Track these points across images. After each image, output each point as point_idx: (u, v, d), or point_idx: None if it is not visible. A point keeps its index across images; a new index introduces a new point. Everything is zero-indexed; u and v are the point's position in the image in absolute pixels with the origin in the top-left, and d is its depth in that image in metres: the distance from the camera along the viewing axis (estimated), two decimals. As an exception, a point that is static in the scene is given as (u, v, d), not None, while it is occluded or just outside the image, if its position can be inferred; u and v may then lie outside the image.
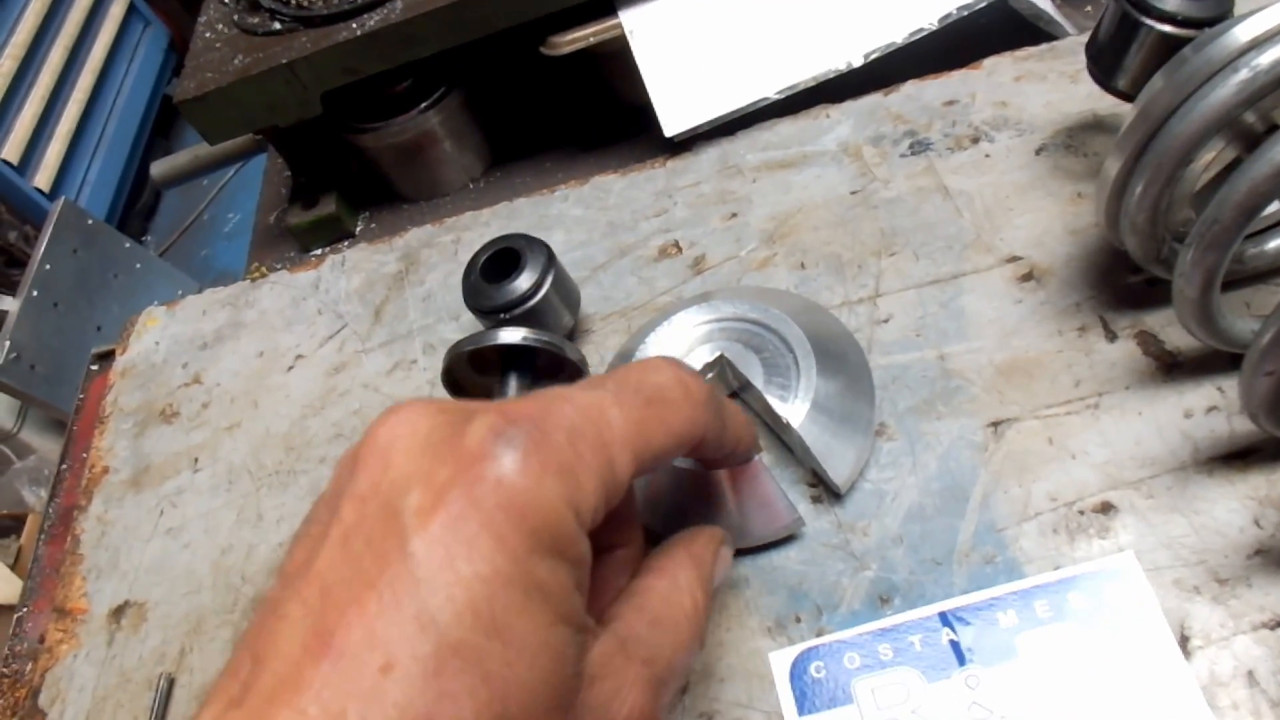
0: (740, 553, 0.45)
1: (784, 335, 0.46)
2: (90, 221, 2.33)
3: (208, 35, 0.68)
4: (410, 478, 0.29)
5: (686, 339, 0.48)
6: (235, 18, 0.67)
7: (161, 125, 3.12)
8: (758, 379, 0.45)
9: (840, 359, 0.46)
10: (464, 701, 0.26)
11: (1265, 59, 0.34)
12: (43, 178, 2.49)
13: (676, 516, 0.44)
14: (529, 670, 0.27)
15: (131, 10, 2.95)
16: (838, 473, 0.44)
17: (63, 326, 2.18)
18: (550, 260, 0.50)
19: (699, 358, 0.47)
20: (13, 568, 2.06)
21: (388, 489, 0.29)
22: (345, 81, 0.64)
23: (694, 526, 0.39)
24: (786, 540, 0.45)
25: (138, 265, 2.45)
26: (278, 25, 0.65)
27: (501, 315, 0.49)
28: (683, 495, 0.44)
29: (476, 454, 0.29)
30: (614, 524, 0.35)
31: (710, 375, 0.47)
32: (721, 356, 0.46)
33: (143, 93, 2.96)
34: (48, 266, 2.18)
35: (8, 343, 2.03)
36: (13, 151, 2.40)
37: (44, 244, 2.18)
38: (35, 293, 2.13)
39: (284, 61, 0.63)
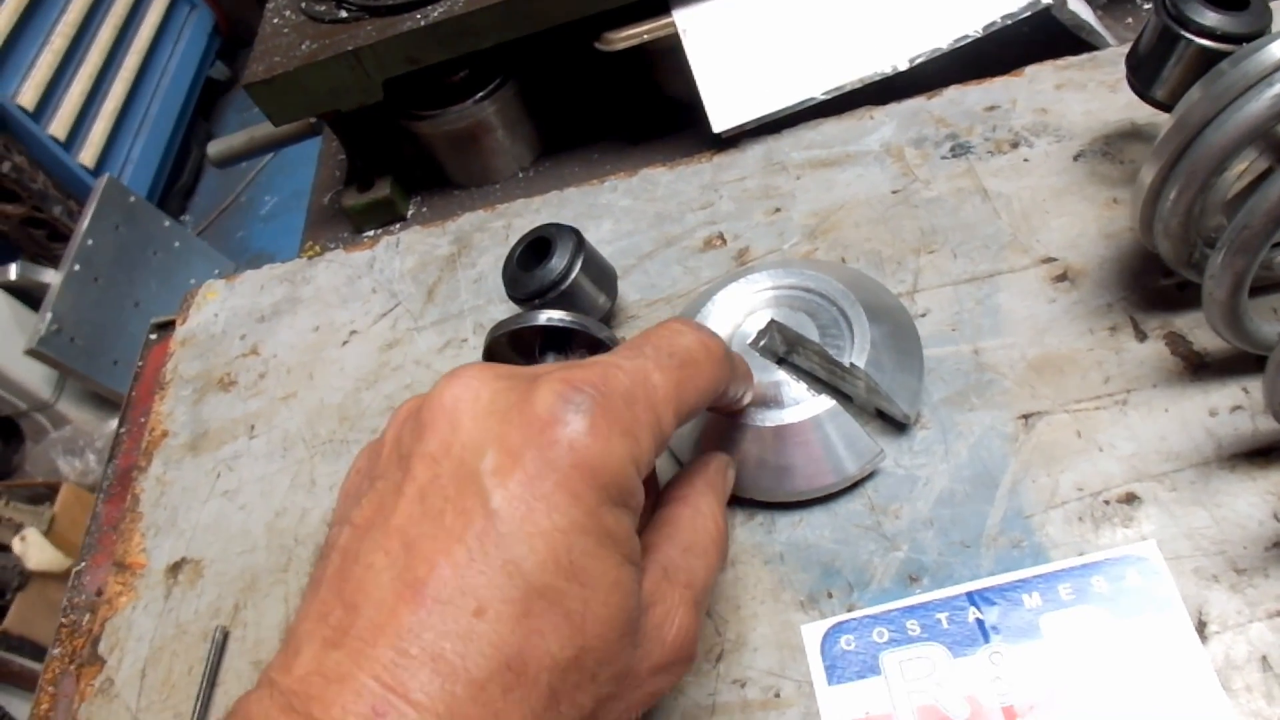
0: (811, 502, 0.47)
1: (830, 295, 0.49)
2: (132, 199, 2.38)
3: (275, 21, 0.71)
4: (482, 440, 0.32)
5: (737, 310, 0.50)
6: (303, 5, 0.70)
7: (203, 107, 3.18)
8: (812, 336, 0.48)
9: (886, 310, 0.49)
10: (550, 637, 0.30)
11: (1300, 74, 0.36)
12: (88, 155, 2.55)
13: (779, 473, 0.47)
14: (604, 607, 0.31)
15: (178, -7, 3.00)
16: (904, 404, 0.47)
17: (102, 301, 2.24)
18: (580, 245, 0.52)
19: (751, 326, 0.49)
20: (46, 535, 2.11)
21: (460, 451, 0.32)
22: (407, 70, 0.66)
23: (706, 454, 0.44)
24: (830, 500, 0.47)
25: (176, 244, 2.49)
26: (344, 13, 0.68)
27: (536, 300, 0.52)
28: (775, 451, 0.47)
29: (546, 419, 0.32)
30: None
31: (763, 342, 0.49)
32: (772, 322, 0.49)
33: (186, 74, 3.01)
34: (90, 241, 2.23)
35: (49, 314, 2.08)
36: (60, 128, 2.46)
37: (87, 219, 2.23)
38: (77, 267, 2.19)
39: (350, 49, 0.65)
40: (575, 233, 0.52)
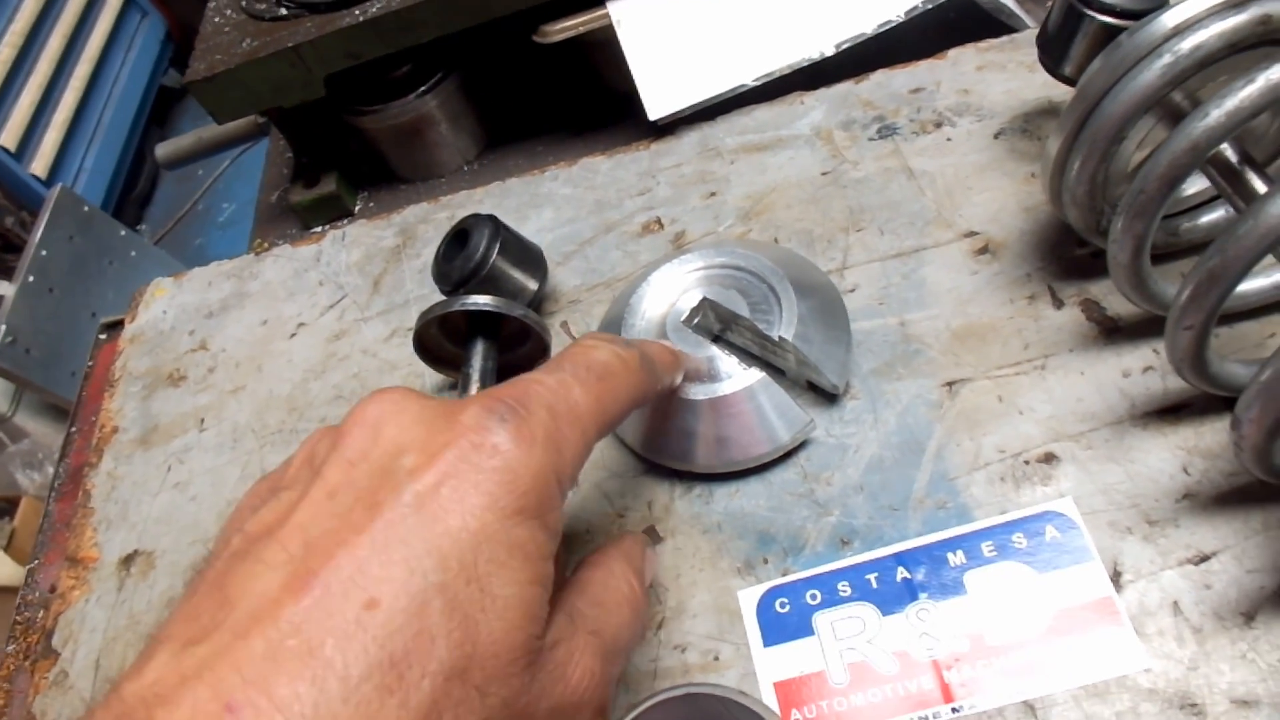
0: (747, 473, 0.49)
1: (760, 273, 0.50)
2: (86, 209, 2.36)
3: (216, 20, 0.72)
4: (404, 444, 0.31)
5: (672, 289, 0.52)
6: (243, 3, 0.71)
7: (158, 114, 3.14)
8: (743, 312, 0.49)
9: (814, 286, 0.51)
10: (440, 641, 0.28)
11: (1186, 44, 0.38)
12: (40, 165, 2.52)
13: (716, 445, 0.48)
14: (500, 620, 0.29)
15: (129, 0, 2.97)
16: (832, 375, 0.48)
17: (58, 311, 2.21)
18: (496, 231, 0.53)
19: (685, 304, 0.51)
20: (5, 549, 2.09)
21: (379, 454, 0.31)
22: (348, 65, 0.67)
23: (625, 534, 0.44)
24: (765, 471, 0.49)
25: (133, 253, 2.47)
26: (284, 10, 0.68)
27: (460, 288, 0.53)
28: (711, 423, 0.48)
29: (471, 426, 0.31)
30: None
31: (696, 320, 0.50)
32: (704, 300, 0.50)
33: (139, 82, 2.97)
34: (44, 252, 2.20)
35: (4, 326, 2.06)
36: (10, 138, 2.42)
37: (41, 230, 2.20)
38: (31, 278, 2.16)
39: (289, 45, 0.66)
40: (492, 219, 0.53)
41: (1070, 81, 0.49)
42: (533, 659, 0.31)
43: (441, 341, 0.53)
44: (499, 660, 0.29)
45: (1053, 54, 0.49)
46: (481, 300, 0.49)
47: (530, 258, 0.55)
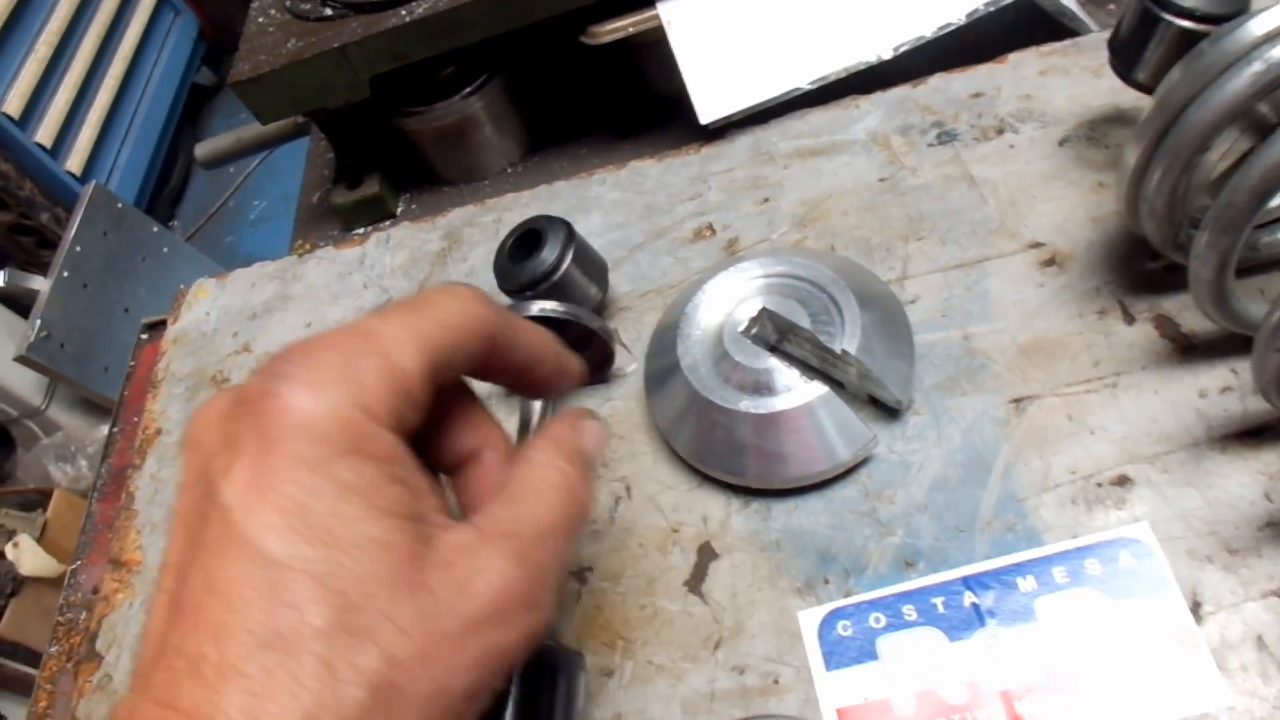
0: (804, 489, 0.48)
1: (820, 282, 0.49)
2: (120, 205, 2.37)
3: (260, 20, 0.71)
4: (213, 448, 0.32)
5: (729, 298, 0.51)
6: (287, 3, 0.70)
7: (190, 112, 3.17)
8: (804, 323, 0.48)
9: (876, 297, 0.49)
10: (307, 608, 0.28)
11: (1277, 52, 0.36)
12: (74, 161, 2.54)
13: (773, 460, 0.47)
14: (357, 563, 0.29)
15: (163, -1, 2.99)
16: (895, 390, 0.47)
17: (91, 307, 2.23)
18: (570, 237, 0.52)
19: (743, 314, 0.49)
20: (39, 540, 2.11)
21: (201, 467, 0.32)
22: (393, 66, 0.66)
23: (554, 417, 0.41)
24: (824, 487, 0.47)
25: (165, 249, 2.49)
26: (329, 11, 0.68)
27: (528, 292, 0.52)
28: (768, 438, 0.47)
29: (258, 398, 0.31)
30: (465, 428, 0.39)
31: (754, 330, 0.49)
32: (763, 309, 0.49)
33: (172, 80, 3.00)
34: (78, 248, 2.22)
35: (39, 321, 2.07)
36: (46, 135, 2.45)
37: (75, 226, 2.22)
38: (66, 273, 2.18)
39: (335, 46, 0.65)
40: (566, 224, 0.52)
41: (1144, 88, 0.47)
42: (418, 581, 0.31)
43: None
44: (375, 598, 0.29)
45: (1125, 59, 0.47)
46: (566, 308, 0.49)
47: (596, 266, 0.54)
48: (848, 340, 0.46)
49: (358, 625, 0.29)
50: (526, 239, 0.52)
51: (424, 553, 0.31)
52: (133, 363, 0.75)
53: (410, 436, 0.34)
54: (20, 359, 2.06)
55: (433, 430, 0.37)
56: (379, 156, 0.77)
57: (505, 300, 0.52)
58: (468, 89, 0.71)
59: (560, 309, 0.48)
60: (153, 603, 0.32)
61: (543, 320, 0.50)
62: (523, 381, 0.41)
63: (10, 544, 2.08)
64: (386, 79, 0.69)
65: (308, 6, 0.69)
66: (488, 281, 0.62)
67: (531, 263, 0.51)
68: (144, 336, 0.77)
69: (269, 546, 0.29)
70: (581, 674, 0.41)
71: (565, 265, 0.51)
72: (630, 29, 0.64)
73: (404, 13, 0.65)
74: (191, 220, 3.05)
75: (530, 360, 0.40)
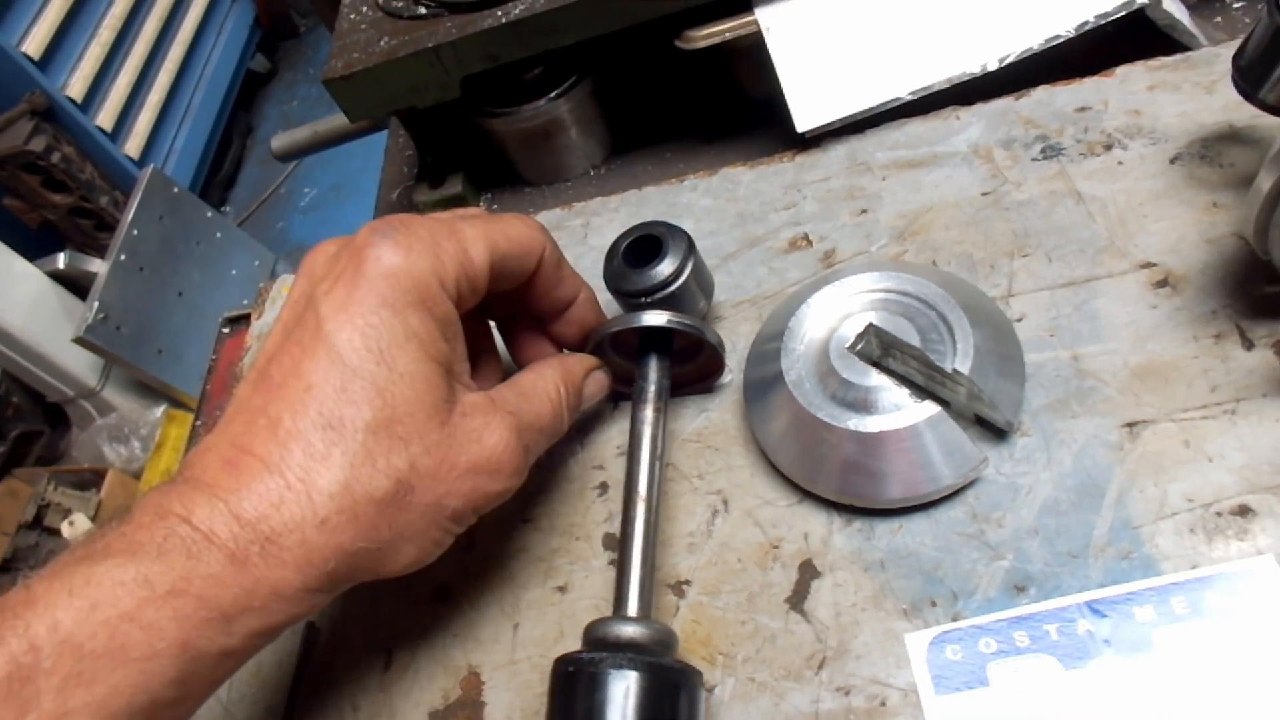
0: (910, 509, 0.47)
1: (929, 299, 0.48)
2: (176, 190, 2.41)
3: (352, 17, 0.71)
4: (321, 275, 0.42)
5: (833, 313, 0.50)
6: (380, 1, 0.70)
7: (244, 99, 3.20)
8: (914, 341, 0.47)
9: (985, 315, 0.49)
10: (363, 406, 0.39)
11: None
12: (133, 146, 2.58)
13: (878, 480, 0.47)
14: (409, 388, 0.39)
15: (220, -14, 3.03)
16: (1006, 412, 0.46)
17: (147, 290, 2.26)
18: (691, 248, 0.52)
19: (849, 329, 0.49)
20: (93, 519, 2.15)
21: (308, 289, 0.42)
22: (486, 67, 0.66)
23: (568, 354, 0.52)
24: (930, 508, 0.47)
25: (218, 234, 2.52)
26: (423, 10, 0.68)
27: (643, 299, 0.52)
28: (873, 456, 0.47)
29: (362, 246, 0.41)
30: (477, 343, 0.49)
31: (859, 346, 0.48)
32: (870, 325, 0.48)
33: (228, 67, 3.04)
34: (135, 232, 2.26)
35: (96, 303, 2.11)
36: (107, 119, 2.49)
37: (133, 210, 2.26)
38: (123, 256, 2.22)
39: (429, 45, 0.65)
40: (686, 235, 0.51)
41: (1272, 109, 0.46)
42: (445, 419, 0.41)
43: (609, 350, 0.52)
44: (414, 418, 0.39)
45: (1252, 78, 0.46)
46: (693, 323, 0.50)
47: (707, 278, 0.54)
48: (960, 360, 0.46)
49: (397, 433, 0.39)
50: (642, 244, 0.52)
51: (452, 399, 0.41)
52: (214, 357, 0.76)
53: (465, 312, 0.44)
54: (78, 340, 2.10)
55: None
56: (462, 156, 0.77)
57: (613, 303, 0.53)
58: (555, 91, 0.71)
59: (684, 322, 0.49)
60: (244, 378, 0.42)
61: (662, 332, 0.50)
62: (557, 318, 0.51)
63: (66, 522, 2.12)
64: (474, 79, 0.69)
65: (401, 5, 0.69)
66: (580, 287, 0.62)
67: (650, 270, 0.51)
68: (225, 331, 0.78)
69: (346, 354, 0.39)
70: (701, 691, 0.41)
71: (684, 277, 0.50)
72: (727, 34, 0.63)
73: (500, 13, 0.65)
74: (243, 205, 3.09)
75: (567, 299, 0.50)
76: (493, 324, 0.53)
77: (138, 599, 0.35)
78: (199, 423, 0.73)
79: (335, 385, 0.38)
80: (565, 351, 0.53)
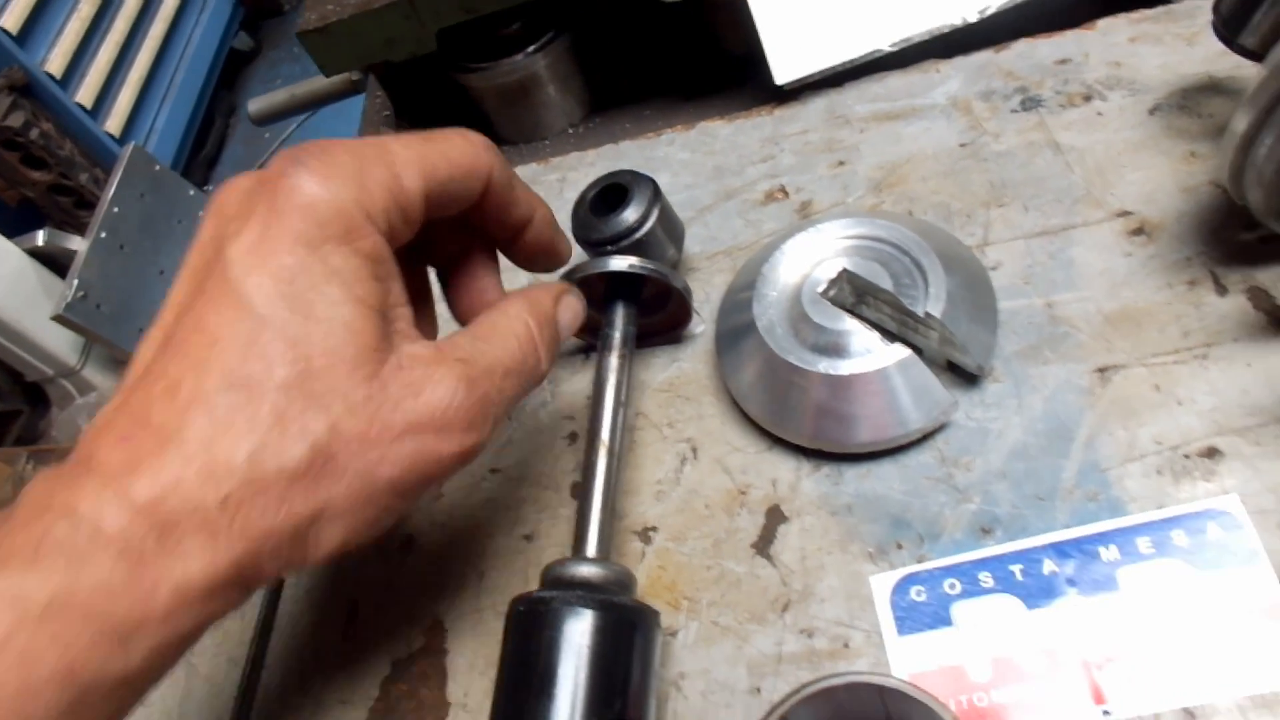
0: (878, 454, 0.47)
1: (903, 245, 0.48)
2: (157, 168, 2.38)
3: (328, -31, 0.70)
4: (231, 213, 0.36)
5: (806, 259, 0.50)
6: (356, -47, 0.69)
7: (227, 77, 3.18)
8: (886, 286, 0.47)
9: (960, 262, 0.48)
10: (274, 360, 0.33)
11: None
12: (114, 123, 2.55)
13: (847, 423, 0.46)
14: (326, 337, 0.34)
15: (204, -38, 3.00)
16: (977, 356, 0.46)
17: (128, 268, 2.24)
18: (656, 195, 0.52)
19: (822, 275, 0.49)
20: (71, 499, 2.13)
21: (217, 231, 0.36)
22: (462, 19, 0.66)
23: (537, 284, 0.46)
24: (899, 453, 0.47)
25: (200, 213, 2.50)
26: (398, -39, 0.67)
27: (609, 247, 0.51)
28: (843, 400, 0.46)
29: (275, 177, 0.35)
30: (478, 266, 0.46)
31: (832, 291, 0.48)
32: (844, 270, 0.48)
33: (210, 44, 3.01)
34: (116, 209, 2.23)
35: (76, 281, 2.09)
36: (87, 96, 2.46)
37: (113, 187, 2.23)
38: (103, 234, 2.19)
39: (404, -4, 0.64)
40: (652, 182, 0.51)
41: (1252, 54, 0.46)
42: (375, 370, 0.35)
43: None
44: (335, 372, 0.34)
45: (1233, 24, 0.46)
46: (654, 266, 0.48)
47: (676, 226, 0.53)
48: (932, 304, 0.45)
49: (314, 391, 0.33)
50: (609, 193, 0.52)
51: (385, 349, 0.35)
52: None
53: (399, 246, 0.38)
54: (57, 318, 2.08)
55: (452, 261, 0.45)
56: (439, 114, 0.76)
57: (581, 254, 0.52)
58: (533, 46, 0.70)
59: (647, 267, 0.48)
60: (147, 336, 0.36)
61: (626, 277, 0.49)
62: (514, 241, 0.45)
63: (44, 500, 2.10)
64: (451, 34, 0.68)
65: (376, -44, 0.68)
66: (554, 237, 0.61)
67: (616, 218, 0.50)
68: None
69: (256, 303, 0.33)
70: (658, 631, 0.41)
71: (650, 223, 0.50)
72: (706, -14, 0.63)
73: (475, -36, 0.64)
74: (227, 185, 3.06)
75: (522, 220, 0.44)
76: (432, 272, 0.48)
77: (7, 622, 0.28)
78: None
79: (243, 339, 0.33)
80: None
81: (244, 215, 0.35)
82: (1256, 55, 0.45)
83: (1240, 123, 0.41)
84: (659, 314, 0.53)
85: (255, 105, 0.98)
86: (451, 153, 0.39)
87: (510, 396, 0.39)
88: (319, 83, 0.88)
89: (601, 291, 0.51)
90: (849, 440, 0.46)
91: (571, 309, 0.45)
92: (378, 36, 0.67)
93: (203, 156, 3.04)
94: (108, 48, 2.55)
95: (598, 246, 0.51)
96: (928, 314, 0.45)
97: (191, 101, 2.86)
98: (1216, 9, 0.47)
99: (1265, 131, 0.40)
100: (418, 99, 0.75)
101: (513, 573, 0.50)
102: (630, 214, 0.50)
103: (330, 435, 0.33)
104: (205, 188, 3.00)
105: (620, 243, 0.50)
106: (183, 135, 2.80)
